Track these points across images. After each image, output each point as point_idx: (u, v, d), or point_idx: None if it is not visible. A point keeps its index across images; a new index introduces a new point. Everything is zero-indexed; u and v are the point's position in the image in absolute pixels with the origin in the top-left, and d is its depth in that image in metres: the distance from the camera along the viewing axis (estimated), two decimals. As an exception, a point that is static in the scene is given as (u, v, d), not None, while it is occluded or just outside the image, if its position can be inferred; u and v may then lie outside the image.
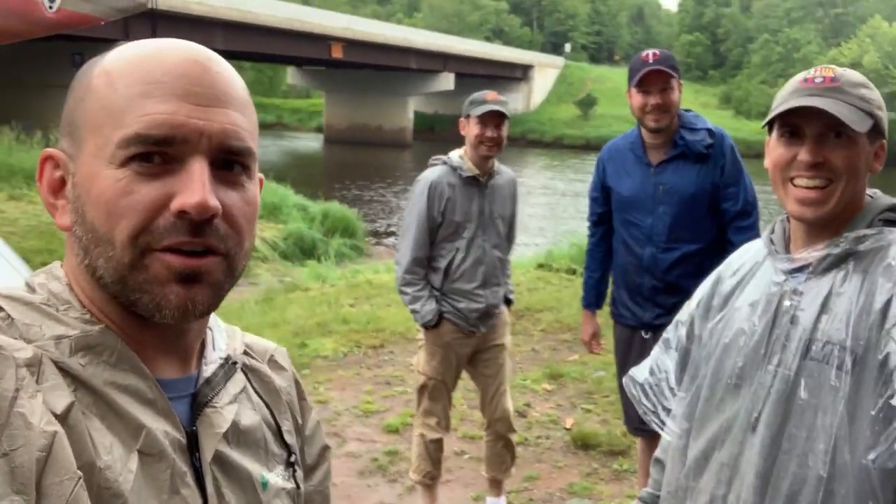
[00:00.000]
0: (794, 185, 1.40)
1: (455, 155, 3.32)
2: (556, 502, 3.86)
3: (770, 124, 1.45)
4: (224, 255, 0.73)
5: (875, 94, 1.41)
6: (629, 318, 3.15)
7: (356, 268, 11.01)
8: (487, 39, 72.96)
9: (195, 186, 0.69)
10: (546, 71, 61.03)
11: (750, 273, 1.55)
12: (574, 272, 8.74)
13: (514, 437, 3.65)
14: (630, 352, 3.14)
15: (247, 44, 31.02)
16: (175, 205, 0.69)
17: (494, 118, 3.16)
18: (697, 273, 2.95)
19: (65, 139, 0.74)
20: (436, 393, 3.46)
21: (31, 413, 0.61)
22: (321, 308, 7.72)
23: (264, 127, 38.27)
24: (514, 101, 56.92)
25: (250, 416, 0.83)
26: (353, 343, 6.29)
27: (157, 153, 0.70)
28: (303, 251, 12.69)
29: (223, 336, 0.85)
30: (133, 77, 0.71)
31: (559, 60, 71.55)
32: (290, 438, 0.89)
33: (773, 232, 1.54)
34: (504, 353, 3.55)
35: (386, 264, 11.39)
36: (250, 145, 0.75)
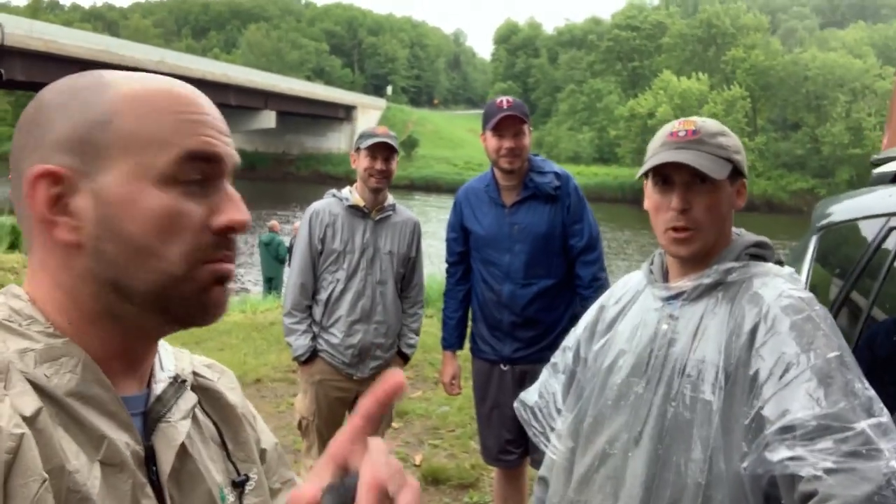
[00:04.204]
0: (668, 227, 1.56)
1: (347, 188, 3.37)
2: (411, 539, 3.87)
3: (646, 173, 1.61)
4: None
5: (732, 141, 1.60)
6: (489, 352, 3.24)
7: (182, 311, 10.52)
8: (308, 79, 72.99)
9: (240, 206, 0.79)
10: (369, 112, 61.84)
11: (632, 301, 1.71)
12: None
13: None
14: (489, 385, 3.24)
15: (51, 75, 29.06)
16: (223, 221, 0.77)
17: (383, 150, 3.21)
18: (551, 307, 3.15)
19: (65, 156, 0.73)
20: (310, 433, 3.39)
21: (0, 416, 0.63)
22: (148, 354, 7.29)
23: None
24: (338, 141, 57.13)
25: (202, 433, 0.86)
26: (188, 389, 6.00)
27: (200, 176, 0.77)
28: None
29: (170, 357, 0.88)
30: (167, 107, 0.76)
31: (381, 102, 72.82)
32: (241, 454, 0.90)
33: (652, 263, 1.71)
34: (386, 412, 3.48)
35: (214, 306, 10.97)
36: None
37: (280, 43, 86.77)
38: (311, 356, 3.30)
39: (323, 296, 3.29)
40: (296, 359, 3.35)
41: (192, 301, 0.77)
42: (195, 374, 0.90)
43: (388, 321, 3.33)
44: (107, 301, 0.76)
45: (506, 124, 3.02)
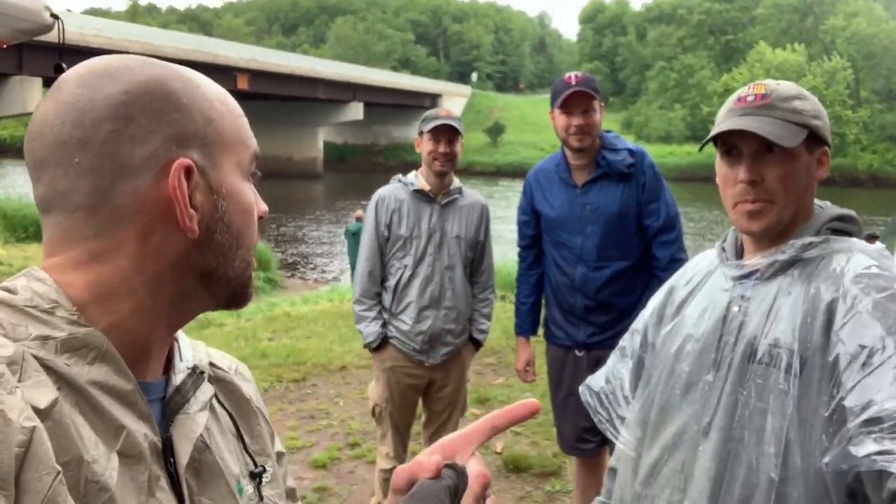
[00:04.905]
0: (738, 201, 1.43)
1: (412, 173, 3.33)
2: (492, 528, 3.82)
3: (715, 143, 1.48)
4: None
5: (810, 105, 1.44)
6: (563, 337, 3.14)
7: (272, 301, 10.77)
8: (395, 69, 73.55)
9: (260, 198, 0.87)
10: (454, 99, 61.85)
11: (702, 282, 1.58)
12: (502, 298, 8.78)
13: None
14: (563, 371, 3.14)
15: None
16: (262, 211, 0.86)
17: (446, 133, 3.16)
18: (627, 290, 3.02)
19: (189, 151, 0.77)
20: (384, 420, 3.38)
21: (10, 409, 0.61)
22: (238, 343, 7.50)
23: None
24: (424, 130, 57.38)
25: (219, 425, 0.87)
26: (274, 378, 6.12)
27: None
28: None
29: (188, 347, 0.88)
30: (235, 109, 0.84)
31: (466, 89, 72.71)
32: (256, 446, 0.91)
33: (724, 240, 1.57)
34: (459, 398, 3.43)
35: (303, 296, 11.19)
36: None
37: (366, 35, 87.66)
38: (382, 343, 3.27)
39: (391, 282, 3.26)
40: (366, 346, 3.33)
41: (248, 286, 0.85)
42: (212, 365, 0.91)
43: (458, 306, 3.27)
44: (185, 288, 0.79)
45: (574, 101, 2.90)
